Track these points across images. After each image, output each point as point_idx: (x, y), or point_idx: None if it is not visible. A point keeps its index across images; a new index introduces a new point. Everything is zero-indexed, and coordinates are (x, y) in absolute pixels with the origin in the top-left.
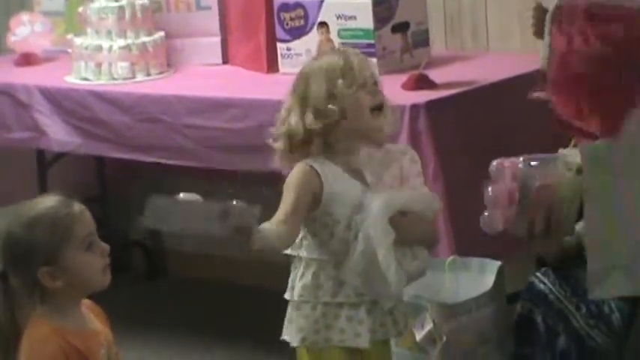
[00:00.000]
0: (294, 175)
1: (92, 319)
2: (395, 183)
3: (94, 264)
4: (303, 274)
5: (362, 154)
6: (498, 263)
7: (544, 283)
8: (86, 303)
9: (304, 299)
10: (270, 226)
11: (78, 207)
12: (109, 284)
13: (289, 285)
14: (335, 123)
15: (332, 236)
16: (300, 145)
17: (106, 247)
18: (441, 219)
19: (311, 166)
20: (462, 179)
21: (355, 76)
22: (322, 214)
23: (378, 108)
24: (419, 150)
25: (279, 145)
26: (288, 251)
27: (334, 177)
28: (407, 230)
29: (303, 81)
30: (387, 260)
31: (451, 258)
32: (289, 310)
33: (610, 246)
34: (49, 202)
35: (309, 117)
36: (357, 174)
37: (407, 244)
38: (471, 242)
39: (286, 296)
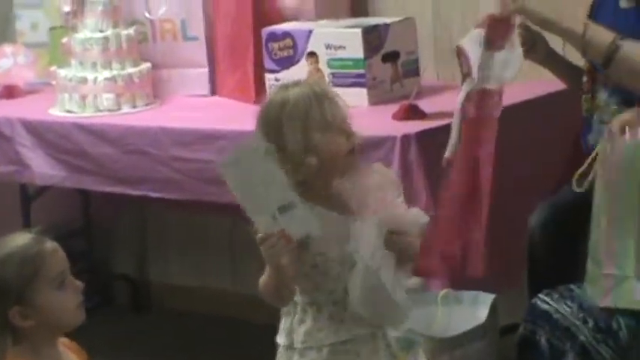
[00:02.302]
0: None
1: (70, 357)
2: (378, 206)
3: (67, 302)
4: (302, 320)
5: (344, 182)
6: (492, 296)
7: (548, 303)
8: (64, 342)
9: (308, 345)
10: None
11: (50, 245)
12: (95, 317)
13: (283, 330)
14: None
15: (325, 275)
16: None
17: (79, 284)
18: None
19: None
20: None
21: (329, 121)
22: (311, 256)
23: (353, 149)
24: (410, 182)
25: None
26: None
27: (316, 218)
28: (401, 250)
29: (275, 130)
30: (392, 283)
31: (444, 291)
32: (288, 355)
33: (626, 253)
34: (20, 240)
35: (288, 169)
36: (337, 205)
37: (400, 263)
38: (464, 276)
39: (279, 341)
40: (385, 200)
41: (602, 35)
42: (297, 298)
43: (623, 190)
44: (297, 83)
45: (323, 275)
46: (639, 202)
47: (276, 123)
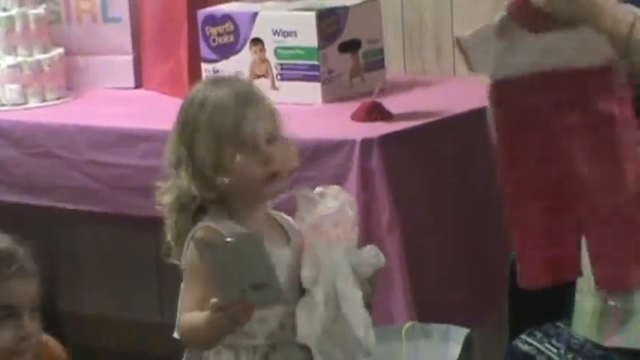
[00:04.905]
0: (193, 256)
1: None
2: (335, 233)
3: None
4: None
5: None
6: (465, 330)
7: (529, 344)
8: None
9: None
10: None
11: None
12: None
13: None
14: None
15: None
16: (195, 208)
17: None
18: (396, 279)
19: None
20: (423, 229)
21: (245, 139)
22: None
23: (273, 175)
24: (371, 194)
25: (166, 198)
26: None
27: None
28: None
29: (189, 132)
30: (358, 319)
31: (409, 324)
32: None
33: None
34: None
35: (198, 185)
36: (268, 229)
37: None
38: (432, 306)
39: None
40: (341, 229)
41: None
42: None
43: None
44: (227, 80)
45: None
46: None
47: (192, 125)
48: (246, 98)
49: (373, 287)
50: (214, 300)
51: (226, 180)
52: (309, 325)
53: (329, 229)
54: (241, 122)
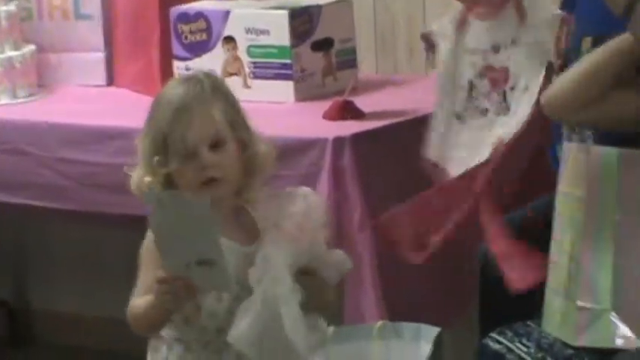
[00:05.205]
0: (149, 242)
1: None
2: (296, 234)
3: None
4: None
5: (258, 196)
6: (436, 329)
7: (500, 343)
8: None
9: None
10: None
11: None
12: None
13: None
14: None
15: (198, 309)
16: None
17: None
18: (367, 278)
19: None
20: None
21: (176, 145)
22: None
23: (209, 181)
24: (343, 193)
25: (132, 187)
26: None
27: (230, 276)
28: (308, 293)
29: (147, 122)
30: (295, 324)
31: (380, 323)
32: None
33: (603, 282)
34: None
35: (150, 176)
36: (235, 228)
37: (305, 310)
38: (403, 305)
39: None
40: (305, 231)
41: None
42: (165, 331)
43: (598, 208)
44: (191, 80)
45: (197, 309)
46: (615, 221)
47: (149, 115)
48: (189, 101)
49: (341, 291)
50: (160, 273)
51: (157, 181)
52: (240, 324)
53: (291, 230)
54: (174, 127)
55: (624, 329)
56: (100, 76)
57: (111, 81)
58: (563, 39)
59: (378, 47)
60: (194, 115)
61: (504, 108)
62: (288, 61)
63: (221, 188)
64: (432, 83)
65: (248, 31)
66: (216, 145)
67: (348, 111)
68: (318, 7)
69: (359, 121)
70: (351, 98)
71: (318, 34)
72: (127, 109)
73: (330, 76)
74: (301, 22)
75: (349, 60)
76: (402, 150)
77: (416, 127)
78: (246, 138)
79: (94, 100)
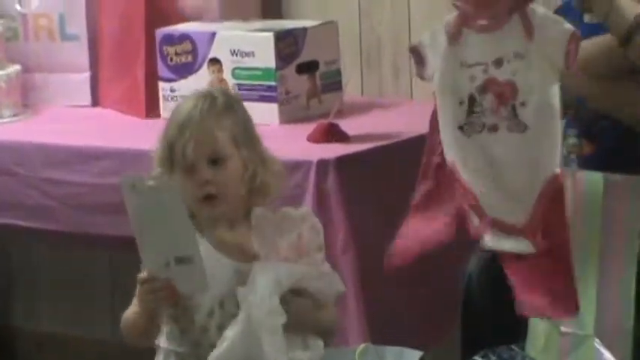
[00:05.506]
0: None
1: None
2: (291, 254)
3: None
4: None
5: (253, 216)
6: (419, 353)
7: None
8: None
9: None
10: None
11: None
12: None
13: None
14: None
15: (192, 323)
16: None
17: None
18: (350, 300)
19: None
20: (378, 251)
21: (177, 159)
22: (182, 298)
23: (207, 198)
24: (327, 215)
25: None
26: None
27: (209, 277)
28: (299, 314)
29: (161, 135)
30: (274, 348)
31: (363, 346)
32: None
33: (586, 307)
34: None
35: None
36: (231, 247)
37: (298, 330)
38: (386, 328)
39: None
40: (300, 251)
41: (627, 8)
42: (161, 341)
43: (582, 232)
44: (204, 96)
45: (191, 322)
46: (600, 247)
47: (165, 125)
48: (194, 116)
49: (332, 314)
50: (142, 274)
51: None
52: (222, 345)
53: (284, 251)
54: (178, 139)
55: (607, 355)
56: (86, 97)
57: (96, 101)
58: (572, 54)
59: (363, 70)
60: (196, 129)
61: (517, 124)
62: (273, 83)
63: (219, 206)
64: (418, 106)
65: (233, 53)
66: (216, 161)
67: (332, 134)
68: (304, 29)
69: (343, 144)
70: (335, 121)
71: (304, 57)
72: (113, 130)
73: (314, 98)
74: (286, 44)
75: (334, 82)
76: (387, 173)
77: (400, 151)
78: (252, 158)
79: (80, 121)
